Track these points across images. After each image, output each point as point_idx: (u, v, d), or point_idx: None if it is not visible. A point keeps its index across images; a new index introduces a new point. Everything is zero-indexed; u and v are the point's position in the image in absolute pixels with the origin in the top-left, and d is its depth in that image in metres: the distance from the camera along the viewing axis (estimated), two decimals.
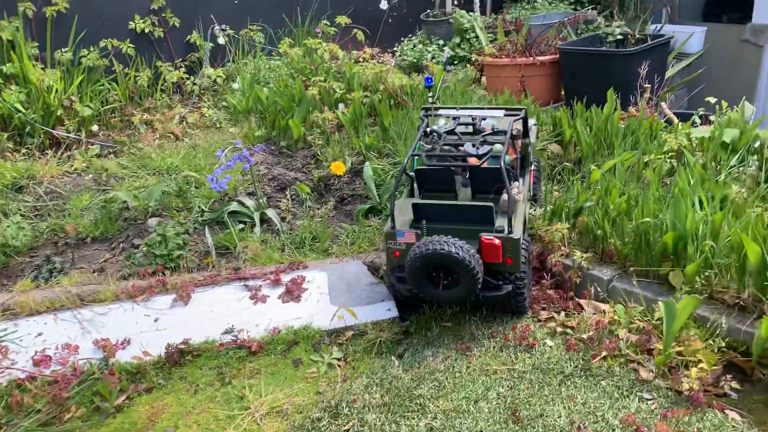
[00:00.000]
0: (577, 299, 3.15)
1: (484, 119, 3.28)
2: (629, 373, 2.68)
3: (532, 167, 3.55)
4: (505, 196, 2.89)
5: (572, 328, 2.96)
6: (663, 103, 4.38)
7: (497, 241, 2.71)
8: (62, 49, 5.63)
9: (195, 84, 6.25)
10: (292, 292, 3.31)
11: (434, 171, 3.07)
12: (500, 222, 2.83)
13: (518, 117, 3.26)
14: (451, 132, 3.17)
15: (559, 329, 2.96)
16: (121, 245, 3.99)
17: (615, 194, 3.27)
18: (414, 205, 2.91)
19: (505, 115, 3.33)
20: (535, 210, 3.56)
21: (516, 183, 3.07)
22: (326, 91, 5.37)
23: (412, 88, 5.18)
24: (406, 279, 2.82)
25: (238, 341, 2.98)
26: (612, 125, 3.96)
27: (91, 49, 5.80)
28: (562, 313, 3.06)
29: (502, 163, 2.79)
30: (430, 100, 3.49)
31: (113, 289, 3.40)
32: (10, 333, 3.10)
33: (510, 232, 2.76)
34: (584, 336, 2.88)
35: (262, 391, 2.70)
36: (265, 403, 2.62)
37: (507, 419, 2.48)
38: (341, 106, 5.21)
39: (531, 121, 3.65)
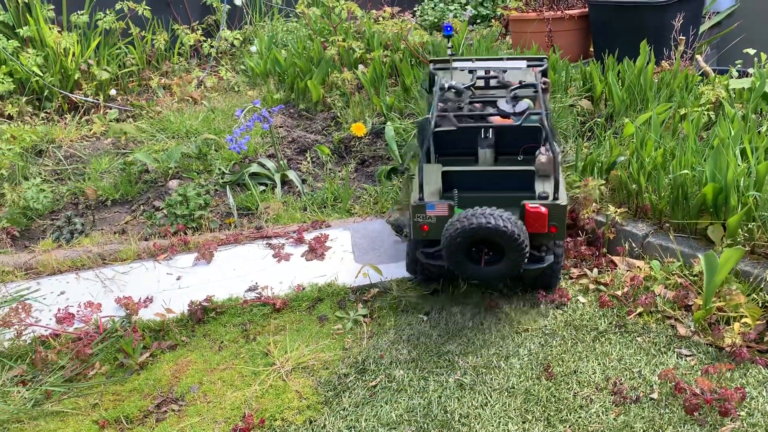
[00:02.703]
0: (609, 256, 3.04)
1: (505, 71, 2.99)
2: (666, 329, 2.59)
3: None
4: (541, 158, 2.62)
5: (605, 284, 2.86)
6: (699, 56, 4.19)
7: (543, 209, 2.44)
8: (78, 12, 5.54)
9: (212, 47, 6.14)
10: (316, 250, 3.24)
11: (455, 133, 2.75)
12: (541, 187, 2.58)
13: (542, 67, 2.97)
14: (470, 87, 2.87)
15: (591, 286, 2.87)
16: (142, 207, 3.94)
17: (650, 147, 3.13)
18: (444, 173, 2.63)
19: (528, 66, 3.03)
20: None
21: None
22: (345, 51, 5.23)
23: (434, 46, 5.03)
24: (441, 255, 2.56)
25: (263, 298, 2.92)
26: (645, 78, 3.79)
27: (107, 11, 5.69)
28: (595, 270, 2.96)
29: (544, 120, 2.52)
30: (448, 51, 3.12)
31: (134, 248, 3.35)
32: (33, 291, 3.07)
33: (556, 198, 2.50)
34: (618, 292, 2.78)
35: (287, 347, 2.64)
36: (291, 359, 2.57)
37: (539, 375, 2.40)
38: (361, 66, 5.08)
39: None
